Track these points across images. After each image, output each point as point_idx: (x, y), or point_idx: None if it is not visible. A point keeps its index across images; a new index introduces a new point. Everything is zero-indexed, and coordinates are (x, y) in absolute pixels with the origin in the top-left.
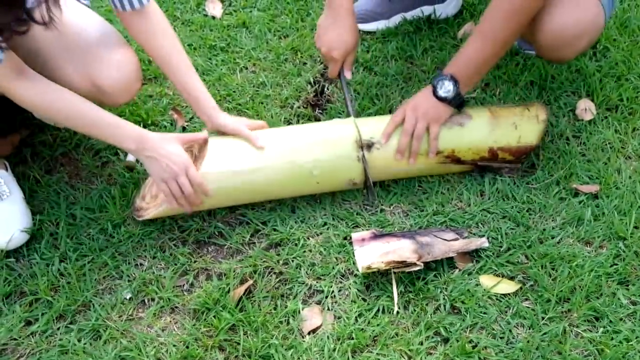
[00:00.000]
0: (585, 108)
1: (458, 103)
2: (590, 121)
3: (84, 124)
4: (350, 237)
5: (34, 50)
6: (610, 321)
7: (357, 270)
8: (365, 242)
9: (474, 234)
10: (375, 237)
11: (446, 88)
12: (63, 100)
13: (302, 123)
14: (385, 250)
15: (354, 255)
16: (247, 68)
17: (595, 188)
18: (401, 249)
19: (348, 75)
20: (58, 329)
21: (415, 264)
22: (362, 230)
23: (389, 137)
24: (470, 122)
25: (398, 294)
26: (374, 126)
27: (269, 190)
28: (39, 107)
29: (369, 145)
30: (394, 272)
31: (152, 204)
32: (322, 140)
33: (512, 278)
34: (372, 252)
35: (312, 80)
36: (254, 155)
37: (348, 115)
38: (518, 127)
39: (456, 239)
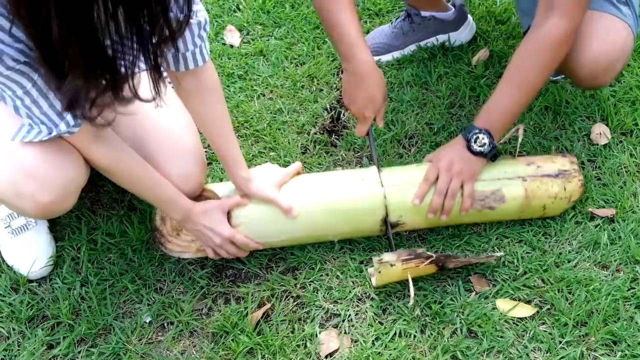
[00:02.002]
0: (600, 132)
1: (493, 155)
2: (605, 145)
3: (144, 194)
4: (366, 262)
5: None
6: (628, 345)
7: (374, 292)
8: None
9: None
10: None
11: (481, 142)
12: (132, 169)
13: (319, 149)
14: (402, 258)
15: (371, 287)
16: (264, 95)
17: (611, 212)
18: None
19: (380, 124)
20: (79, 352)
21: (428, 257)
22: (379, 253)
23: (422, 199)
24: (502, 206)
25: (415, 316)
26: (404, 192)
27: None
28: (108, 171)
29: (394, 225)
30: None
31: (181, 244)
32: (348, 218)
33: (528, 302)
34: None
35: (328, 106)
36: (279, 229)
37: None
38: (547, 208)
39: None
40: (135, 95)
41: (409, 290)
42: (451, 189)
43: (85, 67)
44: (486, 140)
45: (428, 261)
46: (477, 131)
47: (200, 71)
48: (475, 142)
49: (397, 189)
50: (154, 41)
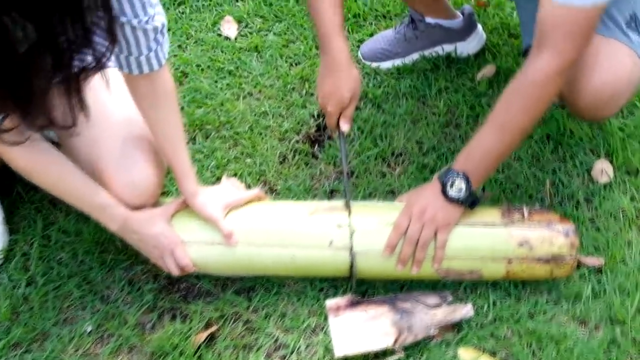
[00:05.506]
0: (602, 169)
1: (470, 202)
2: (606, 185)
3: (70, 200)
4: (326, 289)
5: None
6: None
7: (328, 328)
8: (340, 311)
9: (460, 299)
10: (352, 305)
11: (457, 187)
12: (51, 172)
13: (298, 160)
14: (362, 318)
15: (326, 319)
16: (251, 94)
17: (600, 261)
18: (380, 320)
19: (344, 128)
20: (13, 356)
21: (395, 353)
22: (341, 286)
23: (393, 250)
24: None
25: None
26: (375, 260)
27: None
28: (26, 173)
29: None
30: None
31: None
32: (307, 273)
33: (493, 353)
34: (349, 324)
35: (316, 113)
36: (227, 267)
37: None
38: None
39: (439, 305)
40: (51, 123)
41: None
42: (423, 237)
43: None
44: (463, 186)
45: (396, 357)
46: (454, 175)
47: (155, 75)
48: (451, 186)
49: (369, 257)
50: (75, 67)
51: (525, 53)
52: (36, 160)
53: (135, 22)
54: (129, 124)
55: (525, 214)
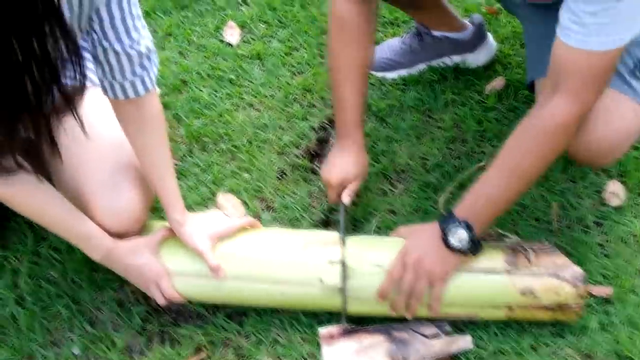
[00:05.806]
0: (613, 192)
1: (472, 250)
2: (618, 208)
3: (52, 229)
4: (319, 315)
5: None
6: None
7: (322, 357)
8: (334, 340)
9: (459, 329)
10: (346, 333)
11: (459, 237)
12: (31, 201)
13: (297, 175)
14: (356, 348)
15: (319, 348)
16: (252, 105)
17: (609, 291)
18: (374, 350)
19: (345, 200)
20: None
21: None
22: (336, 313)
23: (385, 298)
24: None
25: None
26: (367, 302)
27: None
28: (7, 202)
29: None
30: None
31: None
32: (296, 307)
33: None
34: (342, 353)
35: (317, 126)
36: (215, 297)
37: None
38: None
39: (437, 335)
40: (20, 166)
41: None
42: (417, 289)
43: None
44: (465, 236)
45: None
46: (455, 223)
47: (141, 100)
48: (452, 236)
49: (361, 299)
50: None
51: (530, 87)
52: (18, 189)
53: (118, 47)
54: (116, 147)
55: (531, 257)
